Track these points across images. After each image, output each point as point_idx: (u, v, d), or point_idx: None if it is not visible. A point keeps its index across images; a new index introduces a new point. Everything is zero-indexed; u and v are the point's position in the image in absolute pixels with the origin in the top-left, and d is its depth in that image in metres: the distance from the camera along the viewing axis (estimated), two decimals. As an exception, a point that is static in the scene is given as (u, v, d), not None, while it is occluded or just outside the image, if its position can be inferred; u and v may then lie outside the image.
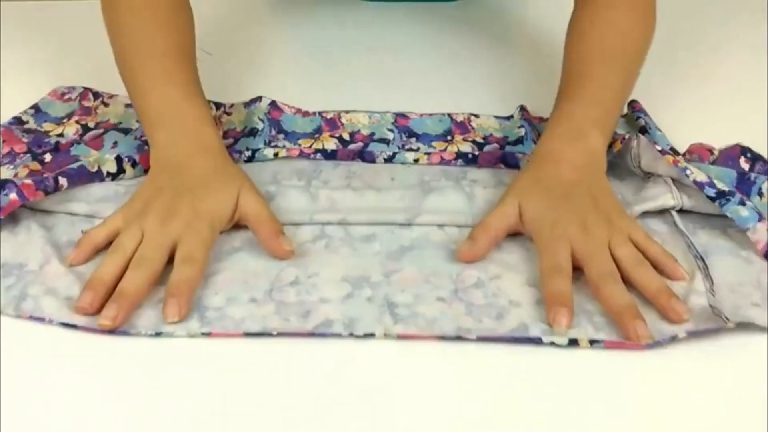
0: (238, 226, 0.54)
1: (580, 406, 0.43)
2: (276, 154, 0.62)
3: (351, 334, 0.47)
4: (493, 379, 0.45)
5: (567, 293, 0.48)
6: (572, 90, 0.59)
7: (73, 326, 0.47)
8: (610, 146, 0.59)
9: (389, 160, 0.62)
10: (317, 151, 0.62)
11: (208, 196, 0.53)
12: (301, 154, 0.62)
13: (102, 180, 0.58)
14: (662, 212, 0.56)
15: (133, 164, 0.60)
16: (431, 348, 0.47)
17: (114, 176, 0.59)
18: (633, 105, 0.67)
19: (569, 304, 0.47)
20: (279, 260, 0.52)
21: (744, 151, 0.58)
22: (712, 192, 0.53)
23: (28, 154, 0.60)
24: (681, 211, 0.56)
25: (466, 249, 0.52)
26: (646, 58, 0.61)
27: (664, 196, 0.55)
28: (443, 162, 0.62)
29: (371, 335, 0.47)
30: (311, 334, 0.47)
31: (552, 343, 0.46)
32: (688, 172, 0.54)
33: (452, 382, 0.45)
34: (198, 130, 0.57)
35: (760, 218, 0.52)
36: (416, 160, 0.62)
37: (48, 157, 0.61)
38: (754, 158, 0.58)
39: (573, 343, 0.46)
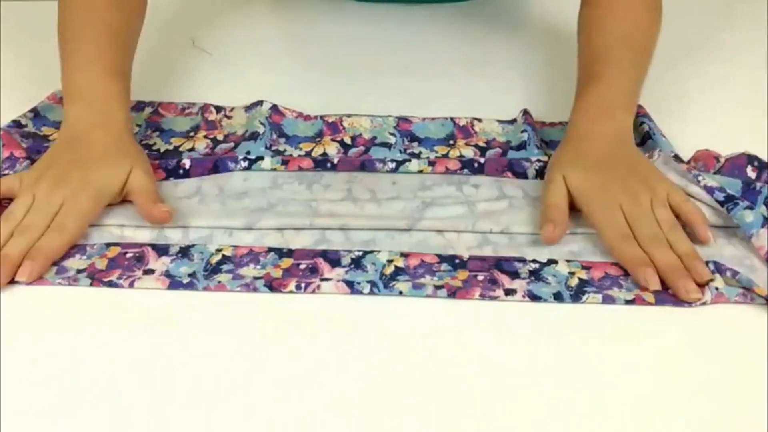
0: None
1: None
2: (273, 169, 0.61)
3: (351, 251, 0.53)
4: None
5: (644, 256, 0.51)
6: (595, 74, 0.62)
7: None
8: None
9: (392, 171, 0.61)
10: (316, 163, 0.62)
11: (99, 169, 0.56)
12: (300, 170, 0.61)
13: None
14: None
15: None
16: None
17: None
18: (638, 110, 0.66)
19: (651, 266, 0.50)
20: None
21: (751, 159, 0.57)
22: (721, 196, 0.53)
23: (28, 161, 0.59)
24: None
25: (550, 232, 0.53)
26: (655, 48, 0.65)
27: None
28: (448, 172, 0.61)
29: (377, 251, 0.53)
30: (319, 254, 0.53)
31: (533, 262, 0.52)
32: (700, 177, 0.54)
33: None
34: (105, 107, 0.60)
35: (764, 224, 0.52)
36: (420, 171, 0.61)
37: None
38: (761, 167, 0.57)
39: (553, 263, 0.52)
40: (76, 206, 0.54)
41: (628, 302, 0.49)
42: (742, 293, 0.49)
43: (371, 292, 0.50)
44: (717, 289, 0.49)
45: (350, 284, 0.50)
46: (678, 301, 0.49)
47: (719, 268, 0.50)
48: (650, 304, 0.49)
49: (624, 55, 0.63)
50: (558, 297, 0.49)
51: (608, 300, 0.49)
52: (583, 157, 0.57)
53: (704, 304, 0.49)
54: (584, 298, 0.49)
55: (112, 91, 0.61)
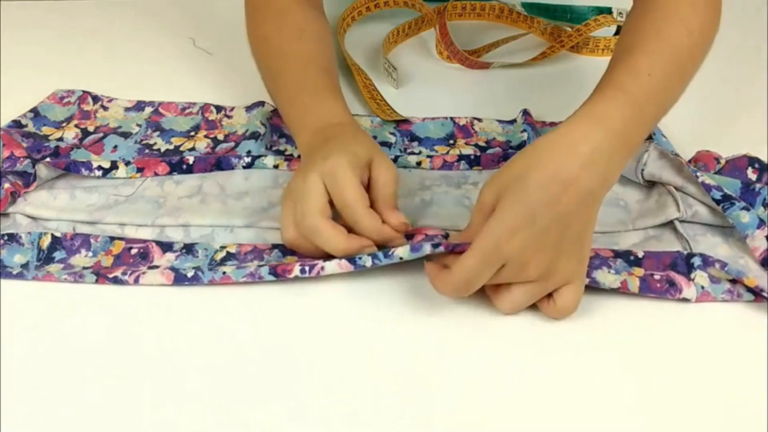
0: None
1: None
2: (276, 166, 0.61)
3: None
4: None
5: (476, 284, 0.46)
6: (606, 80, 0.50)
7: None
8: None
9: (392, 163, 0.62)
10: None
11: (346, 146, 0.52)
12: (302, 166, 0.61)
13: (90, 171, 0.59)
14: (664, 218, 0.56)
15: (127, 163, 0.60)
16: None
17: (106, 171, 0.60)
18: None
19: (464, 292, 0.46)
20: None
21: (752, 161, 0.57)
22: (717, 195, 0.53)
23: (28, 160, 0.60)
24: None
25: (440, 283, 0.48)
26: (703, 60, 0.54)
27: (668, 209, 0.55)
28: (446, 165, 0.61)
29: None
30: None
31: None
32: (698, 173, 0.54)
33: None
34: (331, 121, 0.57)
35: (760, 225, 0.52)
36: (419, 163, 0.62)
37: (48, 162, 0.61)
38: (762, 168, 0.57)
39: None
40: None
41: (613, 290, 0.49)
42: (728, 290, 0.49)
43: (373, 265, 0.49)
44: (702, 287, 0.49)
45: (352, 260, 0.50)
46: (660, 291, 0.49)
47: (706, 261, 0.50)
48: (634, 293, 0.49)
49: (651, 59, 0.50)
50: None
51: (594, 284, 0.49)
52: (527, 184, 0.45)
53: (687, 301, 0.49)
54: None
55: (330, 111, 0.58)
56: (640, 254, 0.52)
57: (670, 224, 0.55)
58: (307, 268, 0.50)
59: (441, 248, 0.48)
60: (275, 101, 0.63)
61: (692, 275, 0.50)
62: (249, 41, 0.66)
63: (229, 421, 0.42)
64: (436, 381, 0.45)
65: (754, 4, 0.90)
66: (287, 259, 0.53)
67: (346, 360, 0.46)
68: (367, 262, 0.49)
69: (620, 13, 0.80)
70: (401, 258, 0.49)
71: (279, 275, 0.50)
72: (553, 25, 0.81)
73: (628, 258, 0.51)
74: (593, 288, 0.49)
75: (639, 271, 0.50)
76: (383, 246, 0.51)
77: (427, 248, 0.48)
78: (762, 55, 0.78)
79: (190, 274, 0.51)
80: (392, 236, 0.50)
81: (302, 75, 0.61)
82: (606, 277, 0.49)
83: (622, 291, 0.49)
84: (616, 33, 0.81)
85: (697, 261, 0.50)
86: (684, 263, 0.51)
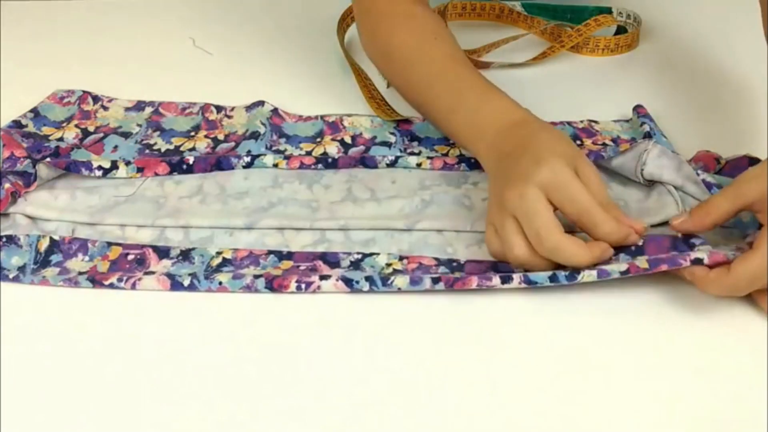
0: None
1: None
2: (276, 165, 0.61)
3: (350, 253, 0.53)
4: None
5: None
6: None
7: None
8: (618, 145, 0.60)
9: (391, 165, 0.62)
10: (318, 160, 0.62)
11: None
12: (302, 166, 0.61)
13: (90, 171, 0.59)
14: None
15: (127, 163, 0.60)
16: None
17: (107, 171, 0.60)
18: (638, 110, 0.67)
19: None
20: None
21: (752, 161, 0.57)
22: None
23: (28, 160, 0.60)
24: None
25: (678, 222, 0.50)
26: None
27: (668, 208, 0.55)
28: (446, 166, 0.61)
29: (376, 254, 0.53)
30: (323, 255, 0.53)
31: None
32: (698, 172, 0.54)
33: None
34: (513, 119, 0.54)
35: (761, 225, 0.52)
36: (419, 165, 0.62)
37: (48, 162, 0.61)
38: (762, 168, 0.57)
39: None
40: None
41: (622, 273, 0.48)
42: (736, 249, 0.49)
43: (370, 290, 0.50)
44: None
45: (348, 282, 0.50)
46: (672, 260, 0.48)
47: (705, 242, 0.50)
48: (645, 269, 0.48)
49: None
50: (553, 279, 0.49)
51: (603, 274, 0.48)
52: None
53: (701, 261, 0.48)
54: (579, 276, 0.48)
55: (510, 103, 0.56)
56: (640, 242, 0.51)
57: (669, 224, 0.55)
58: (303, 286, 0.50)
59: (441, 284, 0.49)
60: (427, 110, 0.60)
61: (695, 249, 0.49)
62: (375, 53, 0.65)
63: (228, 422, 0.42)
64: (435, 382, 0.45)
65: (754, 3, 0.90)
66: (283, 264, 0.53)
67: (345, 360, 0.46)
68: (365, 287, 0.50)
69: (620, 13, 0.80)
70: (399, 288, 0.50)
71: (275, 289, 0.50)
72: (553, 25, 0.81)
73: (629, 249, 0.51)
74: (599, 283, 0.49)
75: (643, 257, 0.50)
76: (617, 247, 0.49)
77: (426, 282, 0.49)
78: (762, 55, 0.78)
79: (186, 282, 0.51)
80: (630, 237, 0.49)
81: (457, 77, 0.58)
82: (612, 266, 0.49)
83: (632, 272, 0.48)
84: (617, 33, 0.81)
85: (697, 240, 0.50)
86: (684, 244, 0.50)
